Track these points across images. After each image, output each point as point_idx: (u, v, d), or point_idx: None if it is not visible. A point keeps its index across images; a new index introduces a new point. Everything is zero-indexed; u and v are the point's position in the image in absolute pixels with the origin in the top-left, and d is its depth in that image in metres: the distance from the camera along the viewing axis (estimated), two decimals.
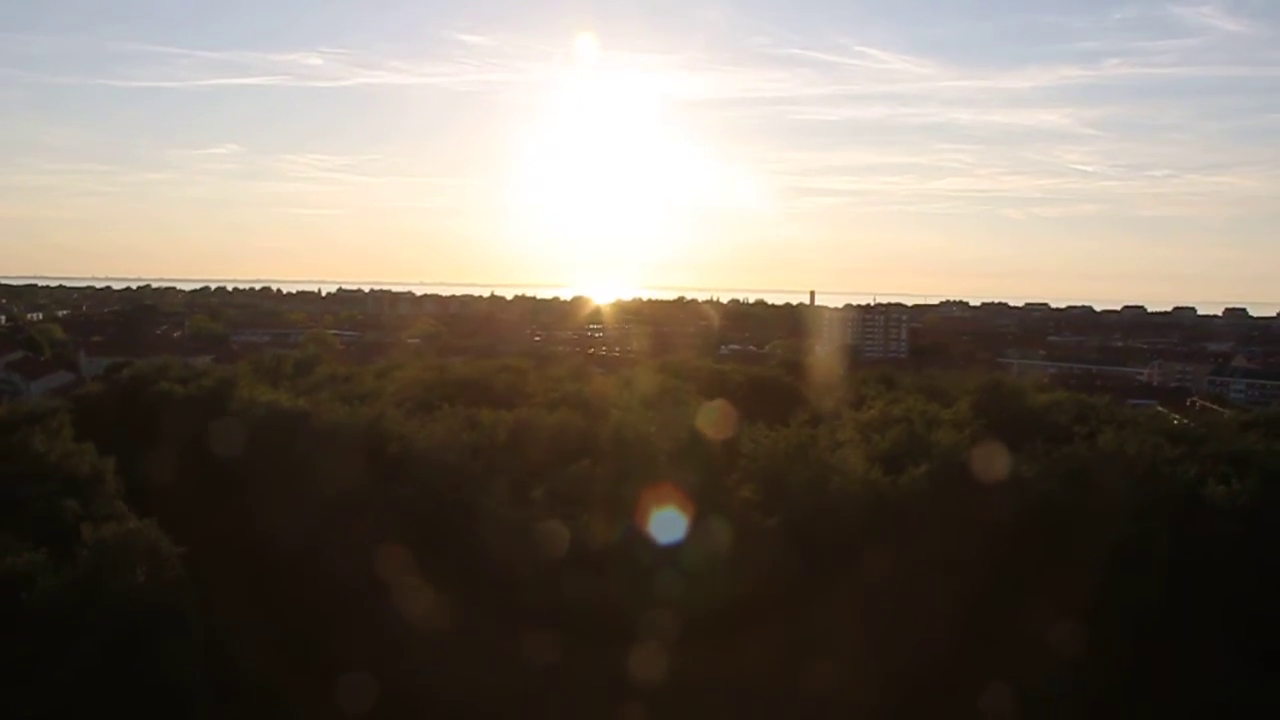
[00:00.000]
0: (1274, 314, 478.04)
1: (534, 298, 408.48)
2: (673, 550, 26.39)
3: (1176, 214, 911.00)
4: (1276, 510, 29.75)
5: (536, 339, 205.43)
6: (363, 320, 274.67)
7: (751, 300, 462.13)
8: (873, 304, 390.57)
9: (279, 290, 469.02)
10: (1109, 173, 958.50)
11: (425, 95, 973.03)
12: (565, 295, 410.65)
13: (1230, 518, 29.66)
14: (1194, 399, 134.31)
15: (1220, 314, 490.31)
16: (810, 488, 28.34)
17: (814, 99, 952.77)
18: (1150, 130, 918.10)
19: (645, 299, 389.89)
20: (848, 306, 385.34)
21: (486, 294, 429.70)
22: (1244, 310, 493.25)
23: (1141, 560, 28.05)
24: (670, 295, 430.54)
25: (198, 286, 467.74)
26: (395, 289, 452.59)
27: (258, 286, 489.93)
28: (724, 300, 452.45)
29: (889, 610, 25.28)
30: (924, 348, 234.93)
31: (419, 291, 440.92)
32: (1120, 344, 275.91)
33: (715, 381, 46.03)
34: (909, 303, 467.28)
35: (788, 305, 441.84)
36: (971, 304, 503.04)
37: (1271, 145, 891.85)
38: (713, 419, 33.94)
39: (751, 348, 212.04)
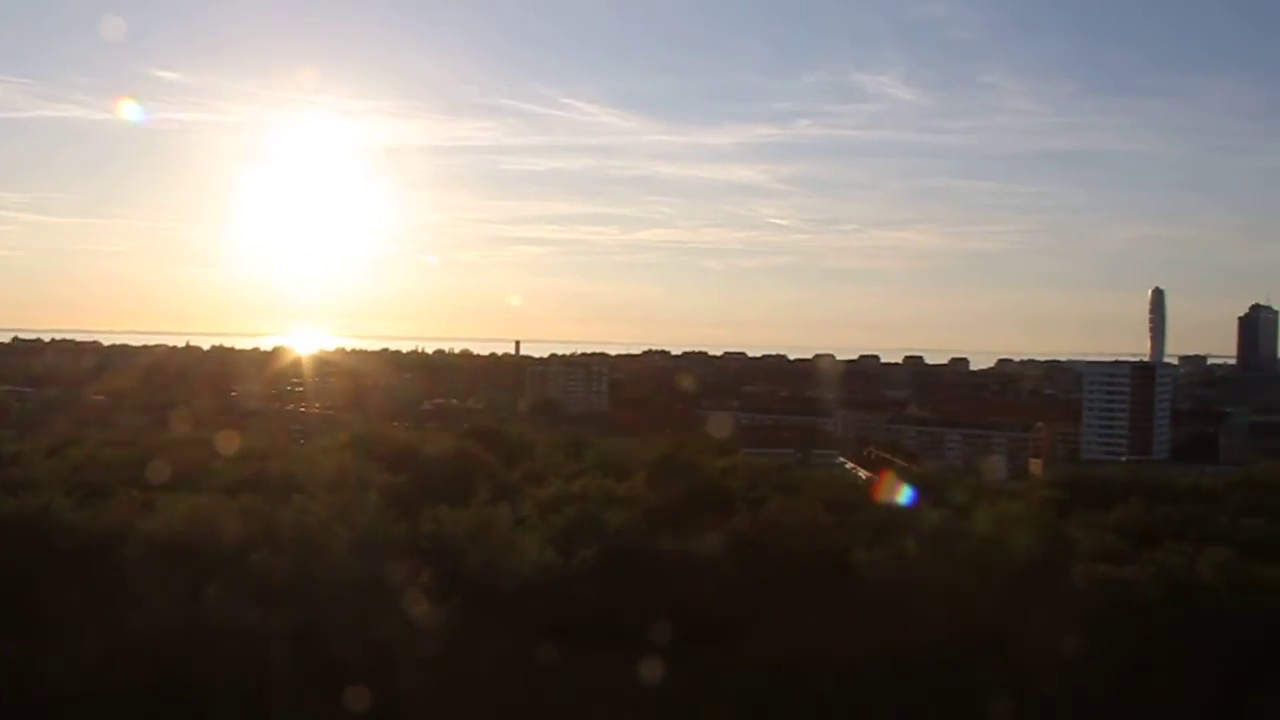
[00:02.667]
0: (946, 360, 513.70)
1: (232, 348, 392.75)
2: None
3: (862, 266, 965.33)
4: (910, 575, 32.84)
5: (233, 394, 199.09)
6: (42, 374, 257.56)
7: (457, 350, 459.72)
8: (576, 354, 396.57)
9: None
10: (801, 226, 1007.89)
11: (116, 132, 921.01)
12: (265, 345, 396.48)
13: (872, 585, 32.55)
14: (870, 449, 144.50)
15: (901, 361, 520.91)
16: (485, 570, 29.26)
17: (522, 149, 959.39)
18: (838, 188, 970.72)
19: (349, 349, 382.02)
20: (552, 356, 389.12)
21: (182, 344, 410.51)
22: (921, 358, 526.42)
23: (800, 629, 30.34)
24: (375, 345, 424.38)
25: None
26: (80, 338, 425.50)
27: None
28: (429, 350, 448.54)
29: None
30: (625, 400, 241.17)
31: (107, 341, 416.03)
32: (810, 393, 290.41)
33: (405, 455, 46.33)
34: (613, 352, 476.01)
35: (493, 355, 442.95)
36: (673, 353, 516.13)
37: (943, 204, 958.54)
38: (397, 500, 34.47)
39: (454, 401, 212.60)
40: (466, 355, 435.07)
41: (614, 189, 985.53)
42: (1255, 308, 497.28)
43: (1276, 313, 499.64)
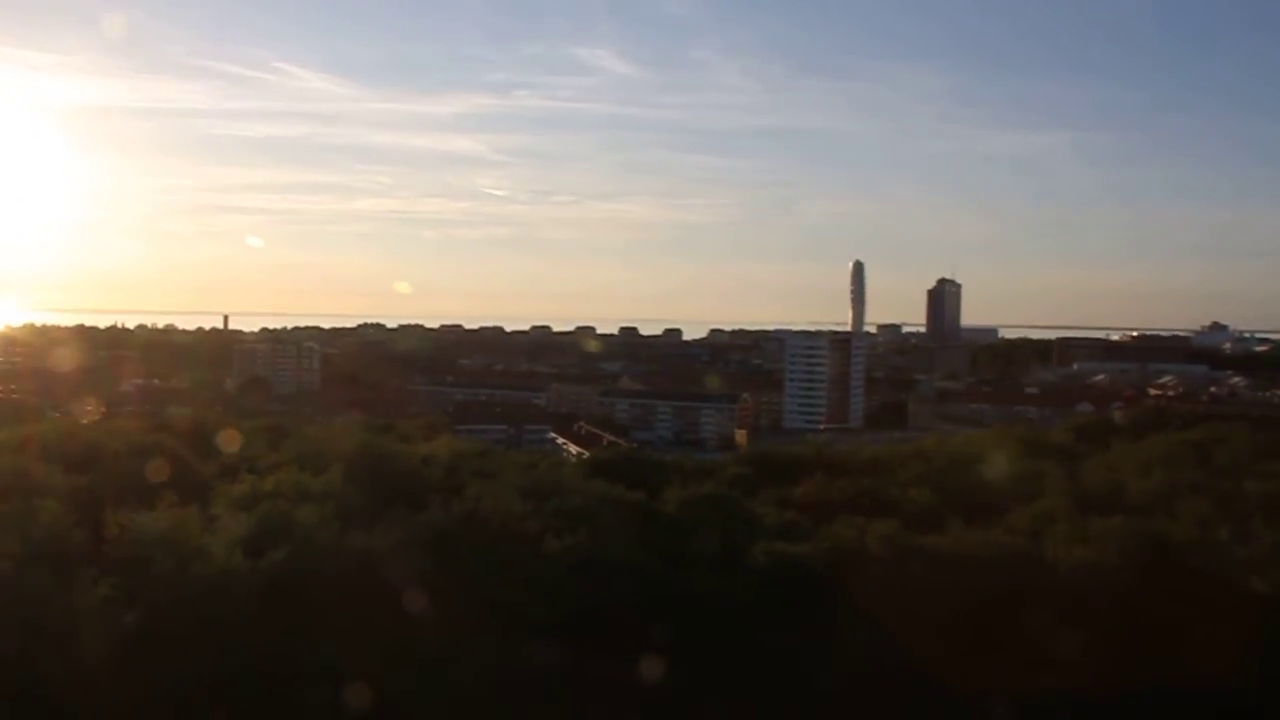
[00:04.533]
0: (661, 331, 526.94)
1: None
2: None
3: (579, 238, 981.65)
4: (599, 562, 34.13)
5: None
6: None
7: (162, 325, 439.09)
8: (287, 329, 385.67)
9: None
10: (519, 197, 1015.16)
11: None
12: None
13: (563, 570, 33.69)
14: (581, 424, 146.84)
15: (616, 332, 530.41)
16: (172, 578, 28.62)
17: (231, 113, 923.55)
18: (555, 159, 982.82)
19: (40, 324, 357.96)
20: (263, 331, 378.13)
21: None
22: (635, 329, 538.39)
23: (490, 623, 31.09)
24: (69, 320, 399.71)
25: None
26: None
27: None
28: (131, 325, 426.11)
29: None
30: (337, 377, 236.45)
31: None
32: (525, 366, 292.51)
33: (91, 450, 44.54)
34: (327, 325, 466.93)
35: (200, 330, 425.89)
36: (389, 326, 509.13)
37: (658, 178, 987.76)
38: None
39: (156, 382, 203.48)
40: (171, 331, 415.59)
41: (329, 157, 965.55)
42: (942, 281, 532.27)
43: (960, 286, 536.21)
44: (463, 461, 47.52)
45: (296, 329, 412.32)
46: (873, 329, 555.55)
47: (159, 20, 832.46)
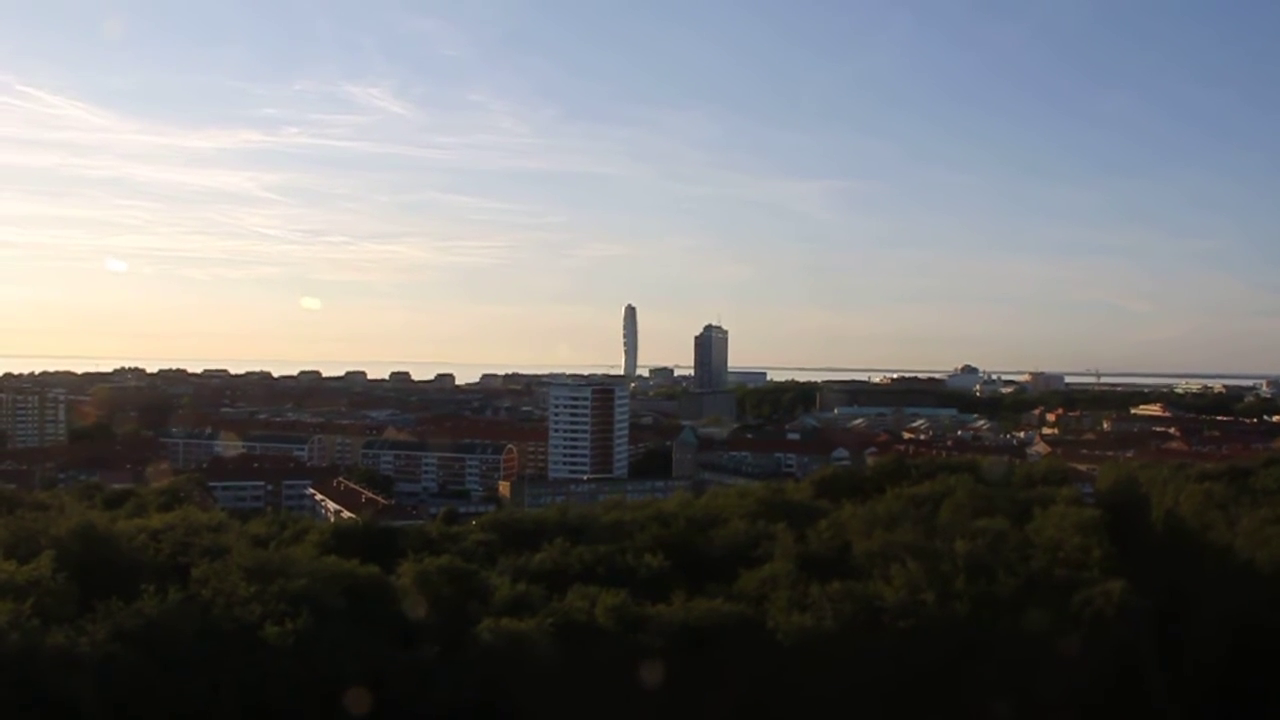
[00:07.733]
0: (433, 376, 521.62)
1: None
2: None
3: (352, 279, 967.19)
4: (323, 646, 33.91)
5: None
6: None
7: None
8: (33, 374, 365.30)
9: None
10: (290, 237, 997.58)
11: None
12: None
13: (284, 656, 33.32)
14: (340, 480, 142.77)
15: (388, 377, 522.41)
16: None
17: None
18: (328, 199, 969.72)
19: None
20: (5, 376, 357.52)
21: None
22: (408, 373, 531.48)
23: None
24: None
25: None
26: None
27: None
28: None
29: None
30: (86, 430, 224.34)
31: None
32: (291, 415, 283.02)
33: None
34: (80, 369, 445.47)
35: None
36: (149, 370, 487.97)
37: (431, 218, 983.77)
38: None
39: None
40: None
41: (84, 190, 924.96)
42: (708, 327, 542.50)
43: (726, 332, 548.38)
44: (195, 536, 45.99)
45: (45, 374, 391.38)
46: (646, 372, 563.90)
47: None
